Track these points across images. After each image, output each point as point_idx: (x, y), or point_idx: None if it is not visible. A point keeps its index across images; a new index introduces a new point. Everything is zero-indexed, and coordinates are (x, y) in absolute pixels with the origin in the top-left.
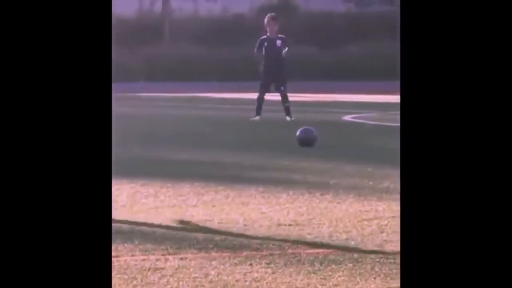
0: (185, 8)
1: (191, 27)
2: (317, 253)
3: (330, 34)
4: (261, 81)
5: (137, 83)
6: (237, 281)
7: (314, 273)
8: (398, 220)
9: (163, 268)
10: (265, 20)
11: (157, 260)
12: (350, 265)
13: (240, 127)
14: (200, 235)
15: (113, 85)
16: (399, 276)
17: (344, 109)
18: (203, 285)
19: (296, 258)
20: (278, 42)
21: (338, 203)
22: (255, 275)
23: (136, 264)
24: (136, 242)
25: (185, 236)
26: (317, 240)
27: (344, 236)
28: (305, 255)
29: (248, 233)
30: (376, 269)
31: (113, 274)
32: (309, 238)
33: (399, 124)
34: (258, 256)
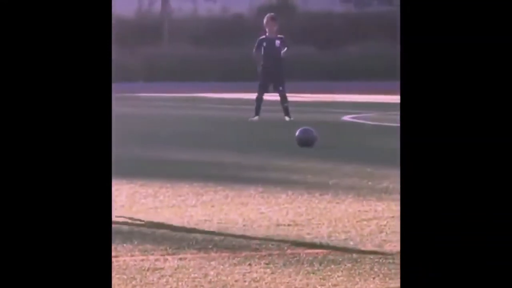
0: (185, 8)
1: (191, 27)
2: (316, 253)
3: (329, 34)
4: (259, 81)
5: (136, 83)
6: (236, 281)
7: (313, 273)
8: (397, 220)
9: (162, 268)
10: (264, 20)
11: (156, 260)
12: (349, 265)
13: (239, 127)
14: (199, 235)
15: (113, 85)
16: (398, 276)
17: (343, 109)
18: (202, 285)
19: (295, 258)
20: (277, 42)
21: (337, 203)
22: (254, 275)
23: (135, 264)
24: (135, 242)
25: (184, 236)
26: (316, 240)
27: (343, 236)
28: (304, 255)
29: (247, 233)
30: (375, 269)
31: (112, 274)
32: (308, 238)
33: (398, 124)
34: (257, 256)
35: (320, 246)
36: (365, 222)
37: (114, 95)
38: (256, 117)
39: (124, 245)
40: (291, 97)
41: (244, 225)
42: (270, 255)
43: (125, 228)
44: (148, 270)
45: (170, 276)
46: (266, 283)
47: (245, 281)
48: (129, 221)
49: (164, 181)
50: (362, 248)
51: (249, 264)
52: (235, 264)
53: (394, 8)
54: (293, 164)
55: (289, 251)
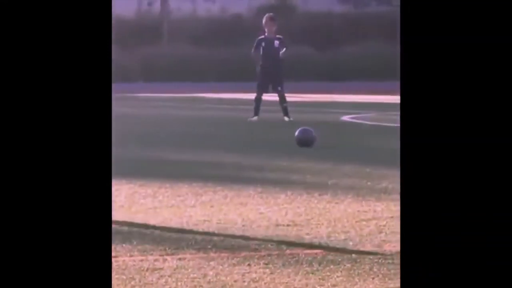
0: (184, 8)
1: (190, 27)
2: (315, 253)
3: (328, 35)
4: (258, 81)
5: (135, 83)
6: (235, 281)
7: (312, 273)
8: (396, 221)
9: (161, 269)
10: (263, 21)
11: (156, 260)
12: (349, 265)
13: (238, 127)
14: (198, 236)
15: (112, 85)
16: (397, 276)
17: (342, 109)
18: (201, 286)
19: (294, 259)
20: (276, 42)
21: (336, 203)
22: (254, 275)
23: (134, 265)
24: (135, 243)
25: (184, 237)
26: (316, 240)
27: (342, 237)
28: (303, 256)
29: (247, 233)
30: (375, 270)
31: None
32: (307, 238)
33: (397, 125)
34: (257, 256)
35: (319, 246)
36: (364, 222)
37: (113, 95)
38: (255, 117)
39: (123, 245)
40: (290, 97)
41: (243, 225)
42: (269, 255)
43: (124, 228)
44: (147, 270)
45: (169, 276)
46: (265, 283)
47: (244, 281)
48: (128, 221)
49: (163, 181)
50: (361, 248)
51: (248, 264)
52: (234, 264)
53: (393, 8)
54: (292, 164)
55: (288, 251)
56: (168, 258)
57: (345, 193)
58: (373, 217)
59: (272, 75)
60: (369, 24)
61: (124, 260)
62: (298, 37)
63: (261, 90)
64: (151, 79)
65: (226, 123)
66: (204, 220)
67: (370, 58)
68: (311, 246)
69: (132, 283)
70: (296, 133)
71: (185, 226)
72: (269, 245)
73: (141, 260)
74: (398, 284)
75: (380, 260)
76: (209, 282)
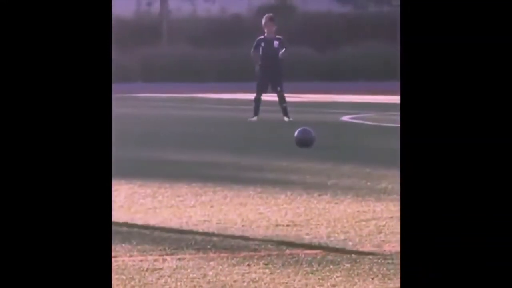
0: (183, 8)
1: (189, 28)
2: (315, 253)
3: (328, 35)
4: (257, 81)
5: (134, 84)
6: (235, 281)
7: (312, 273)
8: (396, 221)
9: (161, 269)
10: (263, 21)
11: (155, 260)
12: (348, 265)
13: (238, 127)
14: (198, 236)
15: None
16: (397, 276)
17: (342, 109)
18: (201, 286)
19: (294, 259)
20: (276, 43)
21: (336, 203)
22: (253, 275)
23: (134, 265)
24: (134, 243)
25: (183, 237)
26: (315, 240)
27: (342, 237)
28: (303, 256)
29: (246, 233)
30: (374, 270)
31: None
32: (307, 238)
33: (397, 125)
34: (256, 256)
35: (319, 246)
36: (363, 223)
37: (112, 96)
38: (255, 118)
39: (123, 245)
40: (290, 97)
41: (243, 226)
42: (269, 255)
43: (124, 228)
44: (147, 270)
45: (169, 276)
46: (265, 284)
47: (244, 282)
48: (128, 221)
49: (163, 181)
50: (361, 249)
51: (248, 265)
52: (234, 265)
53: (392, 9)
54: (292, 164)
55: (288, 251)
56: (168, 258)
57: (345, 193)
58: (372, 217)
59: (272, 75)
60: (368, 24)
61: (124, 260)
62: (297, 37)
63: (261, 90)
64: (150, 79)
65: (226, 123)
66: (204, 220)
67: (370, 58)
68: (310, 246)
69: (132, 283)
70: (296, 133)
71: (185, 226)
72: (269, 245)
73: (141, 260)
74: (398, 284)
75: (379, 260)
76: (208, 282)
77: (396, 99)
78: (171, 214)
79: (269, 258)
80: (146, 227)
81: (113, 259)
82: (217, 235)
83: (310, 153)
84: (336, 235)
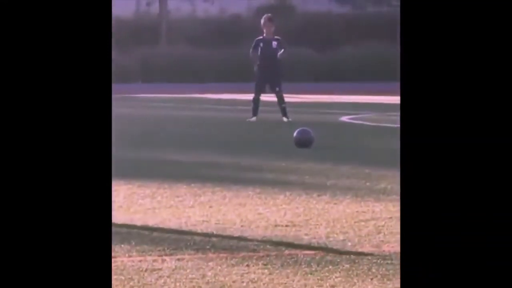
0: (182, 8)
1: (188, 28)
2: (314, 254)
3: (327, 35)
4: (256, 82)
5: (134, 84)
6: (234, 282)
7: (311, 274)
8: (395, 221)
9: (160, 269)
10: (262, 21)
11: (154, 261)
12: (347, 266)
13: (237, 128)
14: (197, 236)
15: None
16: (396, 277)
17: (341, 110)
18: (200, 286)
19: (293, 259)
20: (274, 43)
21: (335, 204)
22: (252, 276)
23: (133, 265)
24: (133, 243)
25: (182, 237)
26: (314, 241)
27: (341, 237)
28: (302, 256)
29: (245, 234)
30: (373, 270)
31: None
32: (306, 239)
33: (396, 125)
34: (255, 257)
35: (318, 247)
36: (363, 223)
37: (112, 96)
38: (254, 118)
39: (122, 245)
40: (289, 97)
41: (242, 226)
42: (268, 256)
43: (123, 229)
44: (146, 271)
45: (168, 277)
46: (263, 284)
47: (243, 282)
48: (127, 222)
49: (161, 182)
50: (360, 249)
51: (247, 265)
52: (233, 265)
53: (391, 9)
54: (291, 165)
55: (287, 251)
56: (167, 258)
57: (344, 193)
58: (371, 217)
59: (270, 76)
60: (367, 24)
61: (123, 261)
62: (296, 37)
63: (259, 90)
64: (149, 79)
65: (225, 124)
66: (203, 221)
67: (369, 58)
68: (309, 246)
69: (131, 283)
70: (295, 134)
71: (184, 227)
72: (268, 246)
73: (140, 261)
74: (397, 285)
75: (378, 261)
76: (207, 283)
77: (395, 99)
78: (170, 215)
79: (268, 258)
80: (145, 227)
81: (112, 260)
82: (216, 236)
83: (309, 153)
84: (335, 235)
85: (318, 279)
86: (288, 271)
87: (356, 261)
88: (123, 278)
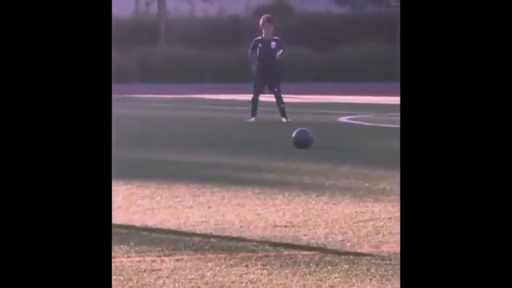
0: (181, 9)
1: (187, 28)
2: (313, 254)
3: (326, 35)
4: (254, 82)
5: (132, 84)
6: (232, 282)
7: (310, 274)
8: (394, 222)
9: (159, 270)
10: (260, 22)
11: (153, 261)
12: (346, 266)
13: (235, 128)
14: (196, 237)
15: None
16: (395, 277)
17: (339, 110)
18: (199, 287)
19: (292, 260)
20: (273, 44)
21: (334, 204)
22: (251, 276)
23: (132, 266)
24: (132, 244)
25: (181, 238)
26: (313, 241)
27: (340, 238)
28: (300, 257)
29: (244, 234)
30: (372, 271)
31: None
32: (305, 239)
33: (395, 126)
34: (254, 257)
35: (317, 247)
36: (361, 224)
37: None
38: (253, 118)
39: (121, 246)
40: (288, 98)
41: (240, 226)
42: (266, 256)
43: (122, 229)
44: (144, 271)
45: (166, 277)
46: (262, 285)
47: (241, 283)
48: (126, 222)
49: (160, 182)
50: (359, 250)
51: (246, 266)
52: (231, 266)
53: (391, 9)
54: (289, 165)
55: (285, 252)
56: (166, 259)
57: (343, 194)
58: (370, 218)
59: (269, 76)
60: (366, 24)
61: (122, 261)
62: (295, 38)
63: (258, 91)
64: (148, 80)
65: (224, 124)
66: (202, 221)
67: (368, 59)
68: (308, 247)
69: (130, 284)
70: (294, 134)
71: (183, 227)
72: (267, 246)
73: (139, 261)
74: (396, 285)
75: (377, 261)
76: (206, 283)
77: (394, 100)
78: (169, 215)
79: (267, 259)
80: (144, 228)
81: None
82: (215, 236)
83: (308, 154)
84: (334, 236)
85: (317, 279)
86: (287, 271)
87: (355, 261)
88: (122, 278)
